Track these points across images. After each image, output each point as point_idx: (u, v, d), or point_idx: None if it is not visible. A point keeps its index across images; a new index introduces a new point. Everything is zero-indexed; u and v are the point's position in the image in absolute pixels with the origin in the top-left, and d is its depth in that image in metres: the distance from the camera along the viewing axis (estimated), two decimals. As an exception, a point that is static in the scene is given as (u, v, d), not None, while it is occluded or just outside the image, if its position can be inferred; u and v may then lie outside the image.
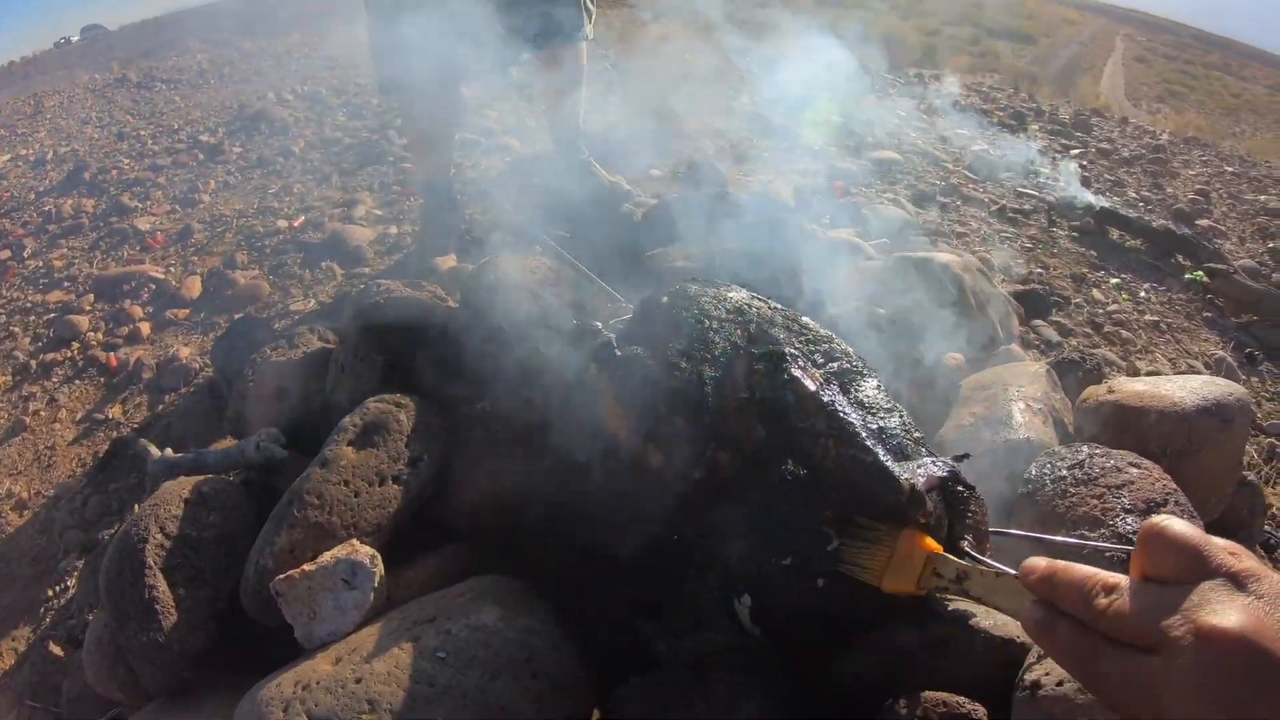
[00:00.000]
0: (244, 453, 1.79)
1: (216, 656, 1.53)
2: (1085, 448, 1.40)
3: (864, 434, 0.89)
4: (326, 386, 1.69)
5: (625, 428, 1.08)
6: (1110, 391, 1.64)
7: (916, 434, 1.11)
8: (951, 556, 0.84)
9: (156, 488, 1.78)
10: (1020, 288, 3.12)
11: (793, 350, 1.00)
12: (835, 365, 1.16)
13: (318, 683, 1.14)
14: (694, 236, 1.78)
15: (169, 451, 2.16)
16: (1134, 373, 2.96)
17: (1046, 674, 0.88)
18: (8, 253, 3.91)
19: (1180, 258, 3.95)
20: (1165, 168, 5.68)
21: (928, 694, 0.92)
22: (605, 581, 1.26)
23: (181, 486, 1.63)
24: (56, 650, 1.99)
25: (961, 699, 0.93)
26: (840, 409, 0.91)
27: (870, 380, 1.17)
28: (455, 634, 1.10)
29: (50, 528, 2.36)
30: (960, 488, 1.03)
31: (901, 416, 1.13)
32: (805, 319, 1.20)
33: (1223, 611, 0.50)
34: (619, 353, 1.14)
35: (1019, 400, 1.60)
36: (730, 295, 1.20)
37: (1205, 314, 3.60)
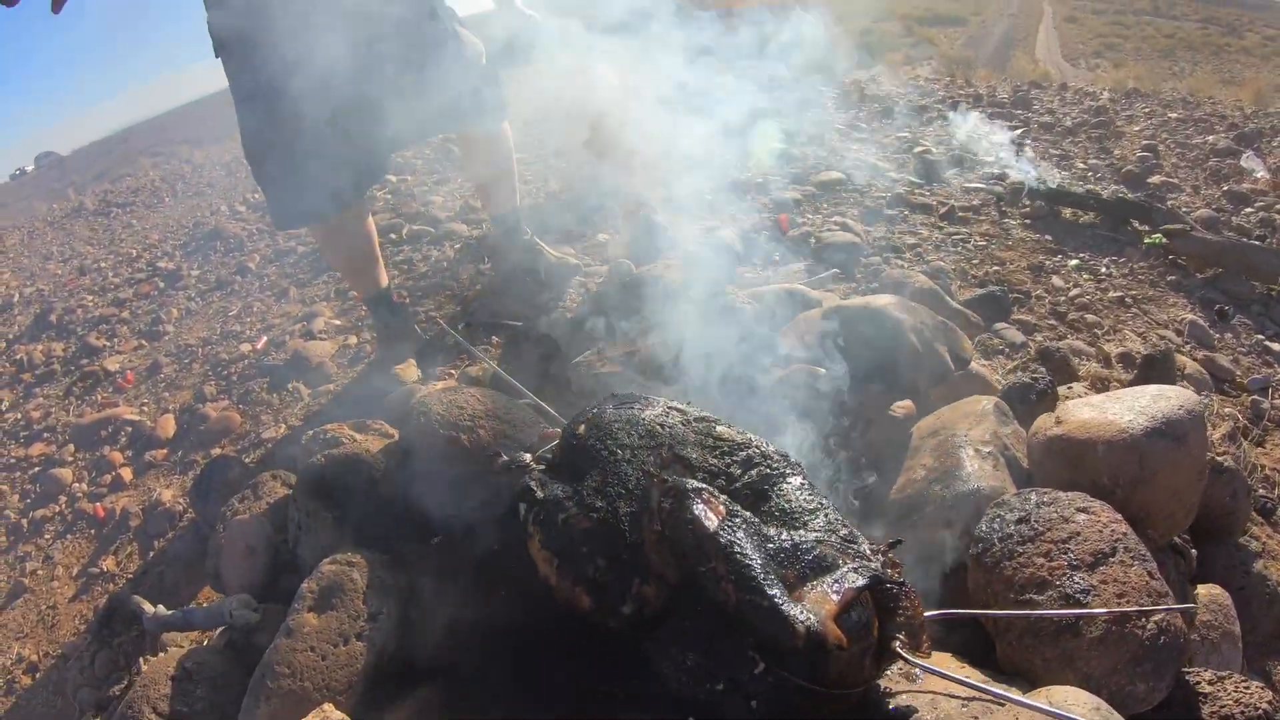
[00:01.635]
0: (223, 616, 1.84)
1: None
2: (1034, 496, 1.42)
3: (761, 575, 0.92)
4: (289, 541, 1.73)
5: (554, 571, 1.12)
6: (1058, 422, 1.65)
7: (843, 532, 1.14)
8: None
9: (156, 642, 2.01)
10: (978, 291, 3.14)
11: (696, 483, 1.03)
12: (754, 473, 1.19)
13: None
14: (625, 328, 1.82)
15: (161, 608, 2.22)
16: (1104, 358, 2.97)
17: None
18: (-15, 408, 3.90)
19: (1137, 223, 3.95)
20: (1110, 129, 5.72)
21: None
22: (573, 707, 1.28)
23: (166, 664, 1.70)
24: (83, 817, 2.03)
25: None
26: (739, 550, 0.94)
27: (792, 480, 1.20)
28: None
29: (63, 688, 2.40)
30: (888, 586, 1.06)
31: (826, 515, 1.16)
32: (721, 428, 1.23)
33: None
34: (540, 494, 1.18)
35: (966, 447, 1.62)
36: (644, 416, 1.24)
37: (1169, 278, 3.59)
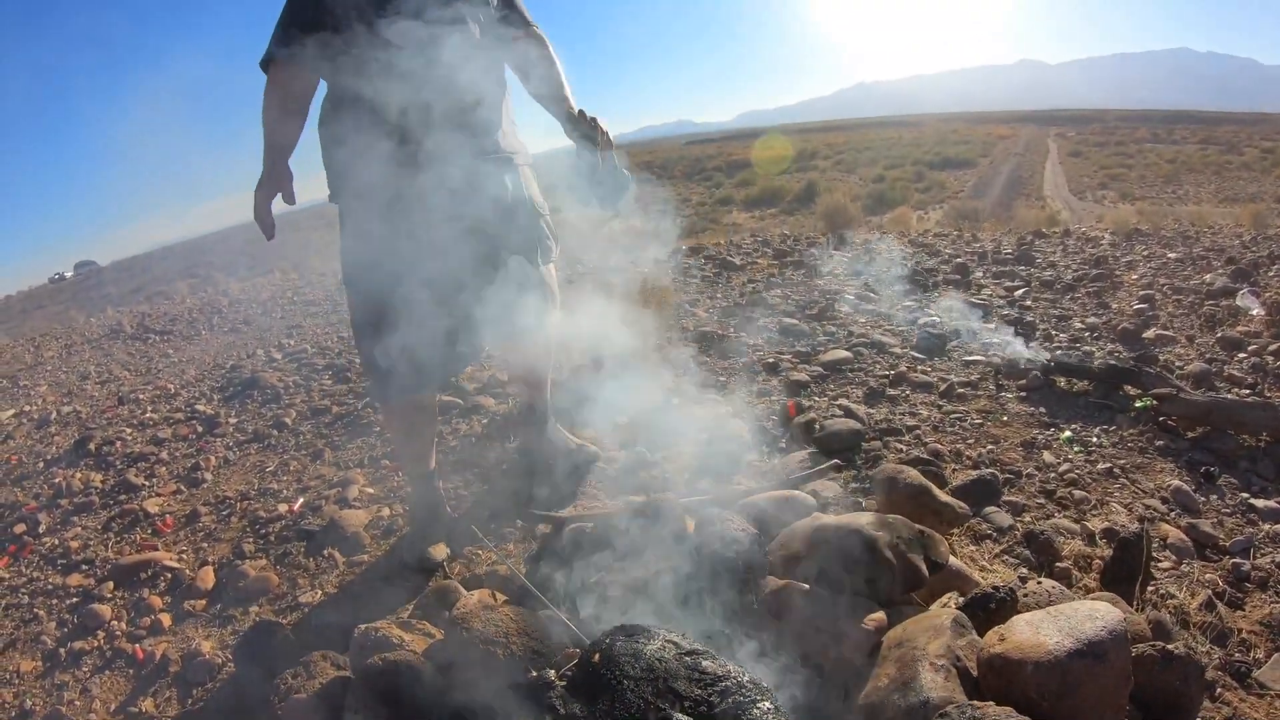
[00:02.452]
0: (278, 784, 2.21)
1: None
2: (968, 710, 1.79)
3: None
4: (343, 722, 2.12)
5: (573, 778, 1.52)
6: (1001, 639, 2.02)
7: (796, 748, 1.53)
8: None
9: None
10: (971, 474, 3.51)
11: (680, 716, 1.44)
12: (730, 701, 1.60)
13: None
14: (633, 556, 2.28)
15: (209, 763, 2.55)
16: (1088, 535, 3.29)
17: None
18: (23, 526, 4.22)
19: (1129, 388, 4.27)
20: (1109, 281, 6.15)
21: None
22: None
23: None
24: None
25: None
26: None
27: (762, 705, 1.60)
28: None
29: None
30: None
31: (784, 734, 1.56)
32: (706, 662, 1.65)
33: None
34: (562, 711, 1.59)
35: (923, 660, 1.99)
36: (646, 650, 1.66)
37: (1158, 443, 3.86)
